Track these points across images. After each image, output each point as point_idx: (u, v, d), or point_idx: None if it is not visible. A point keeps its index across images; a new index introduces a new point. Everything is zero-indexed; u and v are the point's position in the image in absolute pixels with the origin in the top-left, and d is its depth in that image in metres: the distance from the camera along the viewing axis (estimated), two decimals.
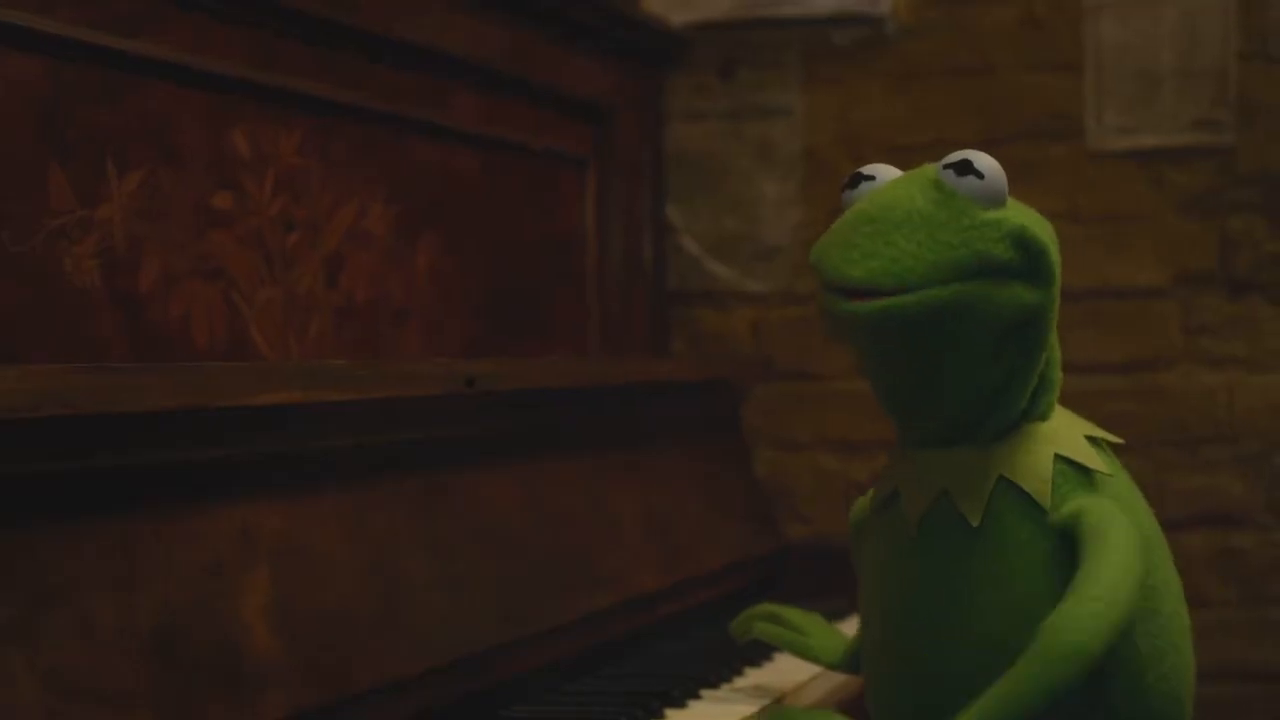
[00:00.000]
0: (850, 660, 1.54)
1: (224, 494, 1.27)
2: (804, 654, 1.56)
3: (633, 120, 2.34)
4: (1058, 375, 1.34)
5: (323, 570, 1.33)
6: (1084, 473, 1.29)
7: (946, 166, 1.29)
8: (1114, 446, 1.37)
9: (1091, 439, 1.33)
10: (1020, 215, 1.28)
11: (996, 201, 1.28)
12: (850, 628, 1.95)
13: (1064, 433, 1.31)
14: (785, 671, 1.69)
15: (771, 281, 2.60)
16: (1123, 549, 1.23)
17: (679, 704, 1.52)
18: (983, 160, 1.30)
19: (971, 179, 1.28)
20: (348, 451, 1.42)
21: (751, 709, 1.51)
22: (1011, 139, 2.54)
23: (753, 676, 1.67)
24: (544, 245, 2.12)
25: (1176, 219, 2.48)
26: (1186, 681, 1.31)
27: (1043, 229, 1.29)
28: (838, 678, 1.67)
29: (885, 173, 1.32)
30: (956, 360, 1.27)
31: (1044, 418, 1.32)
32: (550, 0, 2.06)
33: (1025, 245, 1.26)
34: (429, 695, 1.41)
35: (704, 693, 1.58)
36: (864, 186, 1.31)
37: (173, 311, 1.47)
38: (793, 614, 1.60)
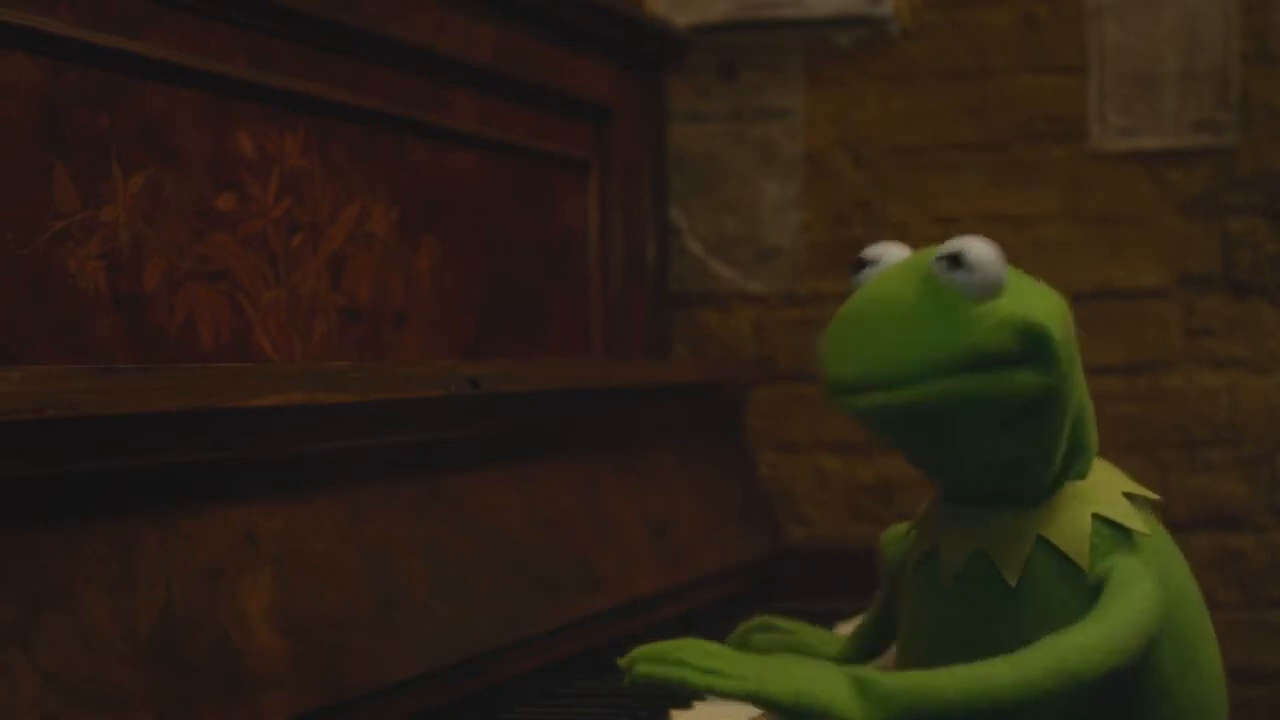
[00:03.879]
0: (853, 654, 1.54)
1: (225, 496, 1.27)
2: (803, 652, 1.56)
3: (634, 122, 2.34)
4: (1092, 437, 1.34)
5: (323, 572, 1.33)
6: (1122, 532, 1.30)
7: (939, 258, 1.26)
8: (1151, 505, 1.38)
9: (1129, 495, 1.33)
10: (1020, 301, 1.26)
11: (989, 292, 1.25)
12: (849, 629, 1.95)
13: (1102, 491, 1.31)
14: None
15: (773, 283, 2.61)
16: (1140, 601, 1.24)
17: (683, 704, 1.52)
18: (974, 253, 1.26)
19: (961, 274, 1.25)
20: (348, 453, 1.42)
21: (756, 710, 1.51)
22: (1013, 140, 2.54)
23: None
24: (546, 247, 2.12)
25: (1178, 220, 2.49)
26: None
27: (1047, 312, 1.26)
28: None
29: (889, 255, 1.31)
30: (965, 441, 1.27)
31: (1081, 476, 1.32)
32: (553, 2, 2.06)
33: (1024, 334, 1.24)
34: (429, 697, 1.41)
35: (707, 693, 1.58)
36: (866, 272, 1.30)
37: (177, 313, 1.47)
38: (790, 625, 1.61)
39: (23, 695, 1.04)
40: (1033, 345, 1.24)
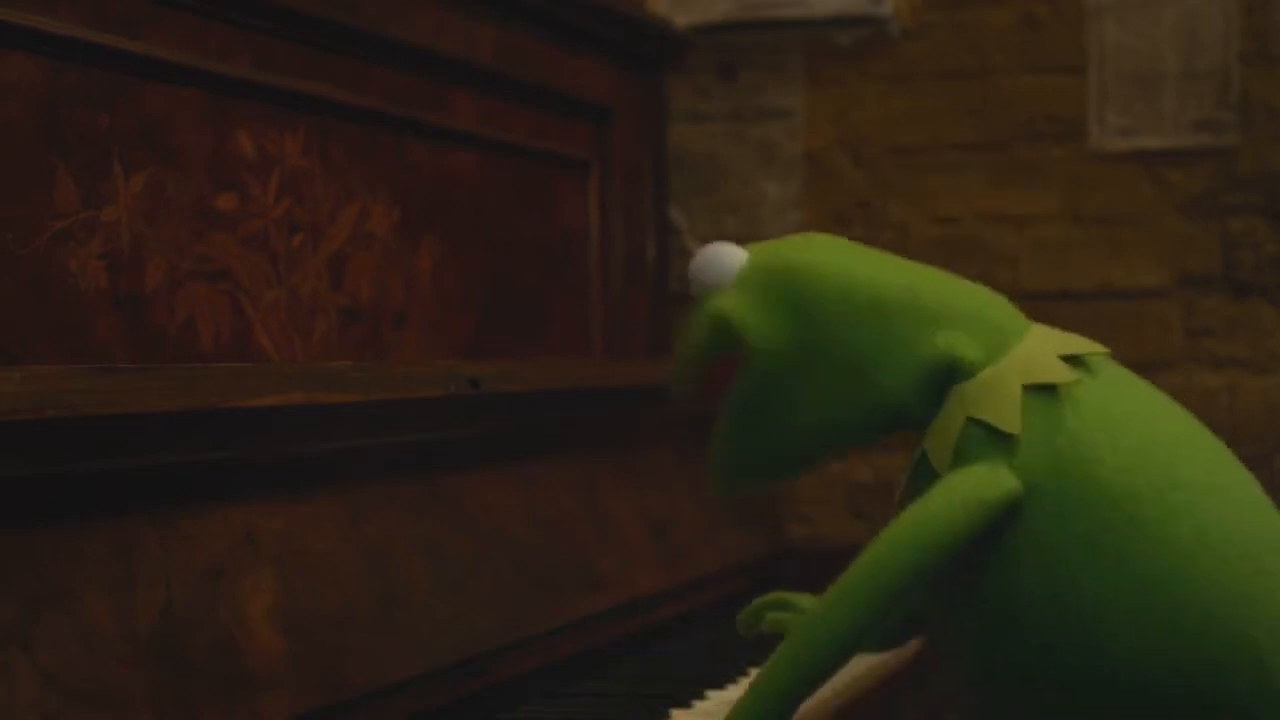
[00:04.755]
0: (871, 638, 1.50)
1: (225, 496, 1.27)
2: None
3: (634, 122, 2.34)
4: (963, 332, 1.25)
5: (323, 572, 1.33)
6: (997, 434, 1.20)
7: None
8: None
9: (1070, 357, 1.24)
10: (733, 294, 1.27)
11: (705, 292, 1.28)
12: None
13: (998, 384, 1.22)
14: None
15: None
16: (928, 506, 1.19)
17: (684, 704, 1.53)
18: (695, 258, 1.30)
19: (692, 285, 1.30)
20: (348, 453, 1.43)
21: None
22: (1012, 140, 2.54)
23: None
24: (546, 247, 2.12)
25: (1178, 220, 2.49)
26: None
27: (750, 301, 1.26)
28: (845, 674, 1.67)
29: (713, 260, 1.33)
30: (761, 429, 1.28)
31: (969, 375, 1.23)
32: (553, 2, 2.06)
33: (722, 328, 1.26)
34: (429, 697, 1.41)
35: (709, 693, 1.58)
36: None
37: (177, 313, 1.47)
38: (805, 599, 1.50)
39: (23, 695, 1.04)
40: (721, 332, 1.26)
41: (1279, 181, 2.45)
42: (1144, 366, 2.52)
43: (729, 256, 1.28)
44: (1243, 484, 1.25)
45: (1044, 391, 1.22)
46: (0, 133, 1.29)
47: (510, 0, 1.98)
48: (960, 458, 1.21)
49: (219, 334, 1.52)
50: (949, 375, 1.24)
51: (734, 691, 1.60)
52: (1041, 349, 1.25)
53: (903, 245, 2.58)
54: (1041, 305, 2.47)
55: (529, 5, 2.02)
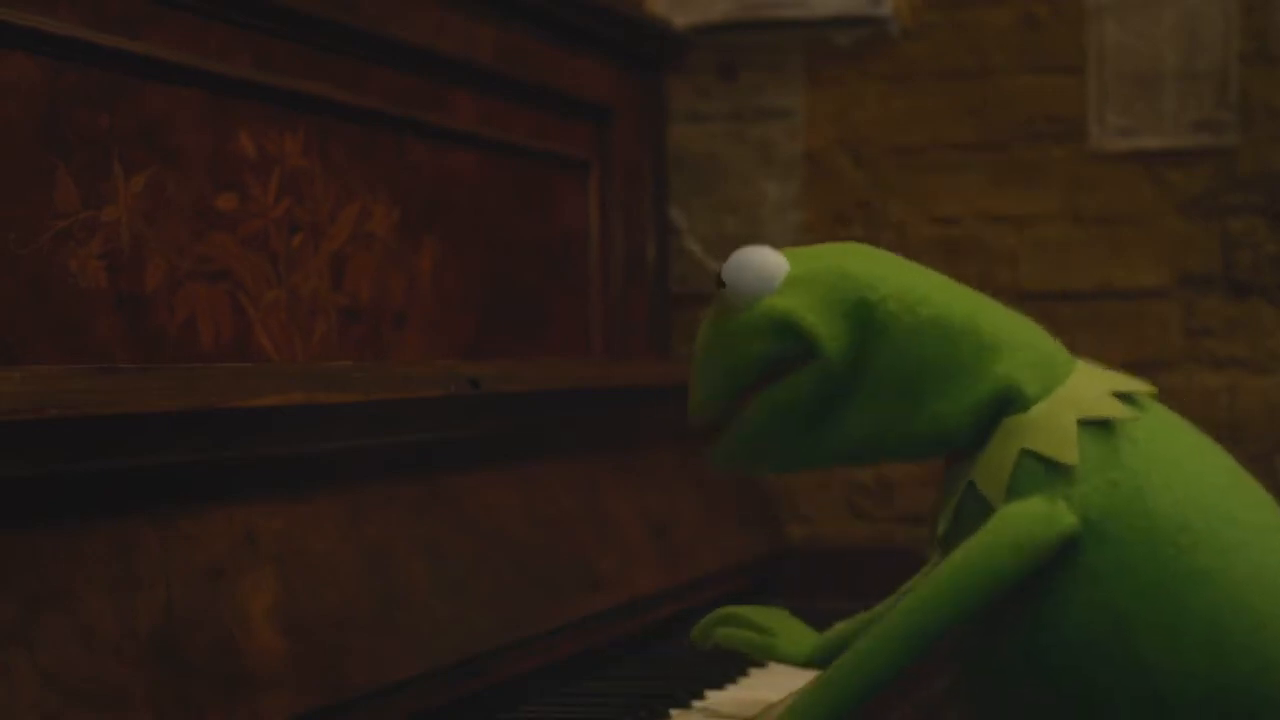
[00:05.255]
0: (821, 656, 1.45)
1: (225, 496, 1.28)
2: (769, 655, 1.48)
3: (634, 122, 2.34)
4: (1016, 362, 1.24)
5: (323, 572, 1.33)
6: (1054, 467, 1.20)
7: (717, 282, 1.27)
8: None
9: (1122, 395, 1.24)
10: (788, 296, 1.23)
11: (747, 300, 1.24)
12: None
13: (1051, 418, 1.22)
14: (788, 671, 1.69)
15: None
16: (976, 550, 1.18)
17: (683, 704, 1.53)
18: (728, 265, 1.25)
19: (725, 291, 1.25)
20: (348, 453, 1.43)
21: (756, 709, 1.51)
22: (1012, 140, 2.54)
23: (756, 676, 1.67)
24: (546, 247, 2.12)
25: (1178, 220, 2.49)
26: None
27: (808, 294, 1.23)
28: None
29: (748, 264, 1.27)
30: (797, 444, 1.26)
31: (1024, 409, 1.22)
32: (553, 2, 2.06)
33: (775, 328, 1.23)
34: (429, 697, 1.41)
35: (708, 693, 1.58)
36: (722, 292, 1.28)
37: (177, 313, 1.47)
38: (755, 613, 1.51)
39: (23, 695, 1.04)
40: (788, 335, 1.23)
41: (1279, 181, 2.45)
42: (1144, 366, 2.53)
43: (772, 261, 1.25)
44: None
45: (1099, 427, 1.22)
46: (0, 133, 1.29)
47: (510, 0, 1.98)
48: (1015, 490, 1.20)
49: (219, 334, 1.52)
50: (1004, 406, 1.23)
51: (733, 692, 1.60)
52: (1092, 385, 1.25)
53: (903, 245, 2.58)
54: (1041, 305, 2.47)
55: (529, 5, 2.02)
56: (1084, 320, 2.45)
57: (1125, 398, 1.25)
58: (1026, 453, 1.21)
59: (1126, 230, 2.50)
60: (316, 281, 1.66)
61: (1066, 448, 1.21)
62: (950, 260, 2.51)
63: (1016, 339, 1.26)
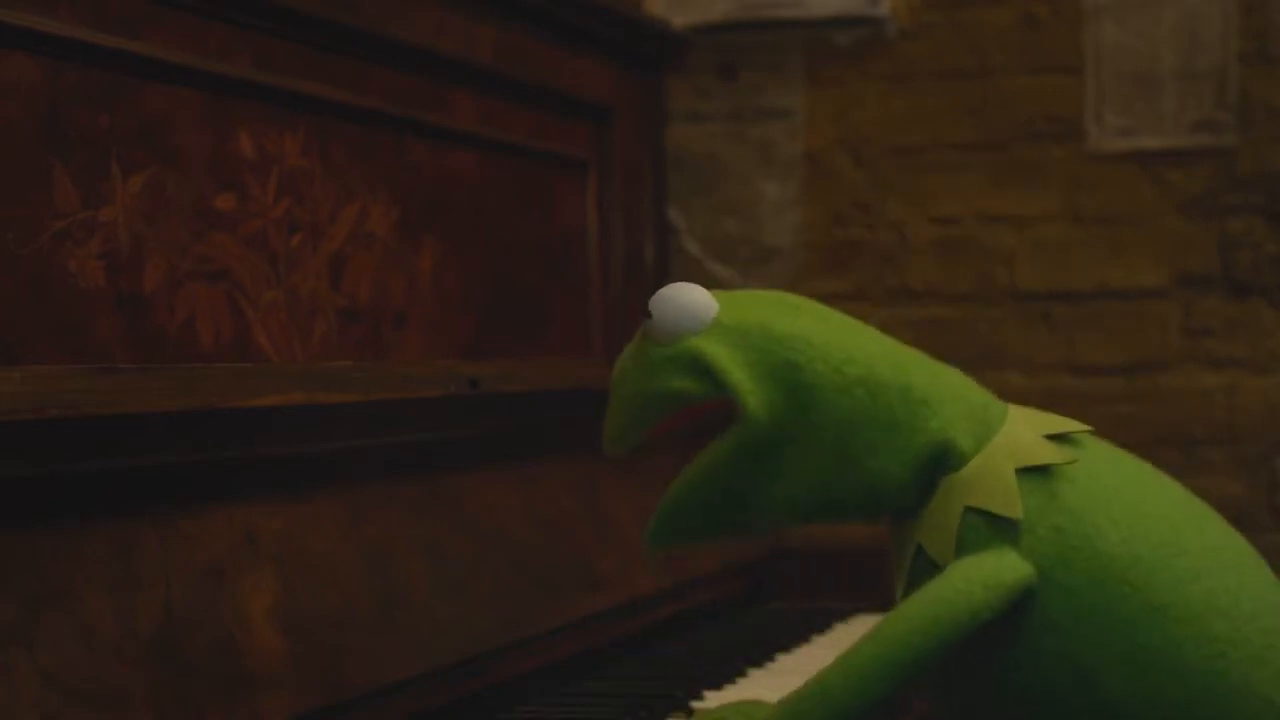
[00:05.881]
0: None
1: (225, 496, 1.28)
2: None
3: (633, 122, 2.34)
4: (950, 415, 1.22)
5: (323, 572, 1.33)
6: (1000, 521, 1.18)
7: (645, 312, 1.23)
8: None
9: (1055, 436, 1.22)
10: (714, 341, 1.20)
11: (671, 335, 1.21)
12: (849, 629, 1.95)
13: (988, 473, 1.20)
14: (788, 671, 1.69)
15: (771, 283, 2.61)
16: (937, 591, 1.16)
17: (682, 705, 1.53)
18: (659, 295, 1.22)
19: (650, 323, 1.22)
20: (348, 453, 1.43)
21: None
22: (1011, 141, 2.54)
23: (755, 677, 1.67)
24: (545, 247, 2.12)
25: (1177, 220, 2.49)
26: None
27: (736, 359, 1.20)
28: None
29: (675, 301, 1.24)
30: (749, 509, 1.23)
31: (956, 468, 1.20)
32: (553, 2, 2.06)
33: (693, 370, 1.20)
34: (429, 697, 1.41)
35: (706, 694, 1.58)
36: (648, 323, 1.25)
37: (177, 313, 1.47)
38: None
39: (23, 695, 1.04)
40: (708, 380, 1.20)
41: (1278, 181, 2.45)
42: (1143, 366, 2.53)
43: (702, 300, 1.22)
44: (1235, 543, 1.23)
45: (1037, 473, 1.20)
46: (0, 133, 1.29)
47: (510, 0, 1.98)
48: (964, 548, 1.19)
49: (219, 334, 1.52)
50: (940, 462, 1.22)
51: (732, 692, 1.60)
52: (1026, 431, 1.23)
53: (902, 245, 2.58)
54: (1041, 305, 2.48)
55: (529, 5, 2.02)
56: (1083, 320, 2.45)
57: (1061, 438, 1.23)
58: (970, 510, 1.19)
59: (1126, 230, 2.50)
60: (316, 281, 1.66)
61: (1009, 501, 1.19)
62: (949, 260, 2.52)
63: (947, 392, 1.24)
